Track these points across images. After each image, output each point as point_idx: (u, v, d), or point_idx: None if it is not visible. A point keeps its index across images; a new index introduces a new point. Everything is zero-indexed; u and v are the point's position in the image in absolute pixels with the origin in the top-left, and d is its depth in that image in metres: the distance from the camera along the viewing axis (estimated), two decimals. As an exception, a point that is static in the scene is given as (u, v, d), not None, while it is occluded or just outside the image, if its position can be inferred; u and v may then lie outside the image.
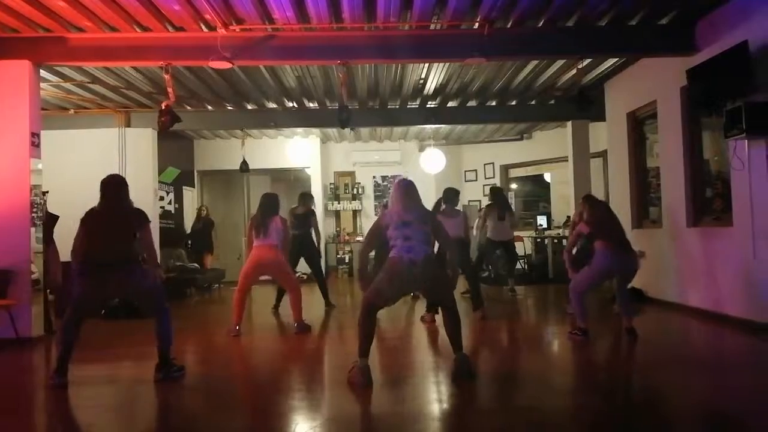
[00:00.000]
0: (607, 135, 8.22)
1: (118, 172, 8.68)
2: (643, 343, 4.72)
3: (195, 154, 12.08)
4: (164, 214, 10.13)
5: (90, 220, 3.86)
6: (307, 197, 7.74)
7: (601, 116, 8.51)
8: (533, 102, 9.04)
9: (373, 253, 7.46)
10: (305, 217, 7.36)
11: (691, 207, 6.12)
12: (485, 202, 11.88)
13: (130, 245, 3.86)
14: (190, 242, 10.87)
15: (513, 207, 12.38)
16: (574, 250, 5.30)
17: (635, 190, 7.45)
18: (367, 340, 3.60)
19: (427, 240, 3.70)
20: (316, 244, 7.56)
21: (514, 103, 9.06)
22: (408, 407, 3.26)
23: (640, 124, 7.42)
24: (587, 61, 6.51)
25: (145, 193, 8.90)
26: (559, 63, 7.12)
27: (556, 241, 9.96)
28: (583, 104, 6.05)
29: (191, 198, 11.80)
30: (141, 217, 3.90)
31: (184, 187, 11.28)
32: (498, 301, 7.51)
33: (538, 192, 12.54)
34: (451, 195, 6.41)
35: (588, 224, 5.01)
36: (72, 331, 3.82)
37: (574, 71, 7.35)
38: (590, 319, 5.03)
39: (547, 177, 12.26)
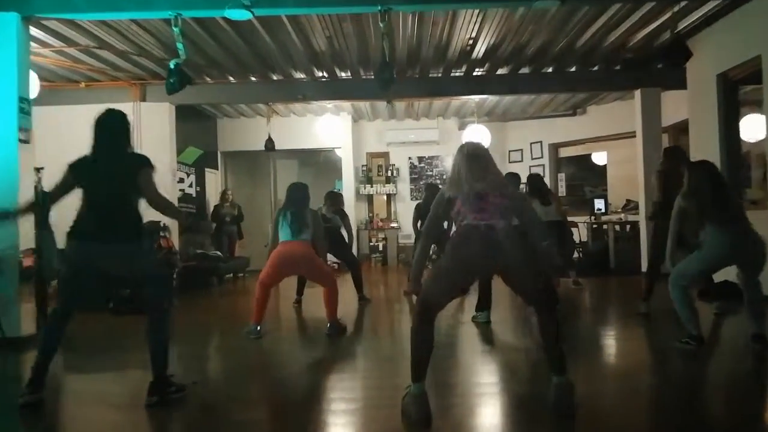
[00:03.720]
0: (689, 104, 7.03)
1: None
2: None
3: (219, 133, 11.27)
4: (184, 198, 9.35)
5: (79, 172, 3.00)
6: (335, 197, 6.86)
7: (676, 84, 7.37)
8: (596, 68, 7.90)
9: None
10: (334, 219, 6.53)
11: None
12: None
13: (131, 207, 3.02)
14: (214, 227, 10.08)
15: (563, 191, 11.30)
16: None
17: (727, 169, 6.27)
18: (421, 358, 2.64)
19: (506, 215, 2.72)
20: (348, 239, 6.78)
21: (573, 69, 7.93)
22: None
23: (733, 87, 6.24)
24: (683, 3, 5.33)
25: (163, 174, 8.09)
26: (635, 18, 5.98)
27: (618, 227, 8.83)
28: (678, 55, 4.91)
29: (214, 181, 11.01)
30: (143, 163, 3.04)
31: (206, 169, 10.48)
32: (561, 296, 6.47)
33: (591, 173, 11.35)
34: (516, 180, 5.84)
35: (687, 197, 3.91)
36: (55, 332, 3.00)
37: (649, 28, 6.26)
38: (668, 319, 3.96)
39: (602, 157, 11.07)
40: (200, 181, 10.16)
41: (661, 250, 5.11)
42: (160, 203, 3.06)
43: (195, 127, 10.10)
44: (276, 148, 9.81)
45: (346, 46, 6.72)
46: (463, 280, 2.74)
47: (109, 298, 6.12)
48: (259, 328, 4.50)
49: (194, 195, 9.87)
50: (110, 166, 2.98)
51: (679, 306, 3.82)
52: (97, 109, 3.23)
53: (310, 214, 4.83)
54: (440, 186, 6.54)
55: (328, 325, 4.60)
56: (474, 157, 2.82)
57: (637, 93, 8.04)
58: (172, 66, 4.94)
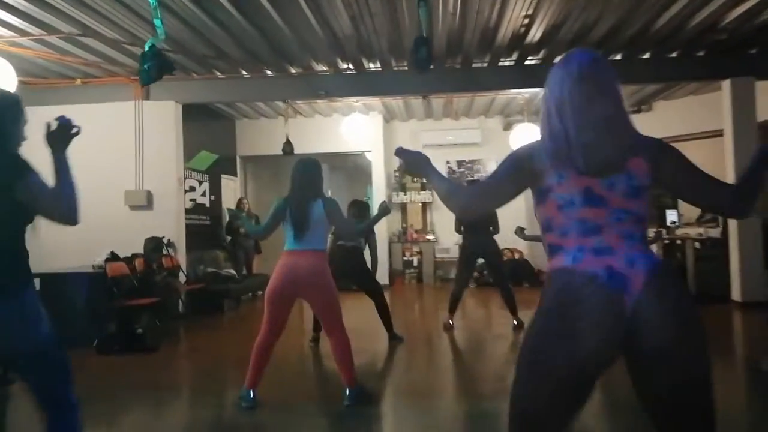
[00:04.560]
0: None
1: (133, 154, 7.12)
2: None
3: (238, 136, 10.30)
4: (196, 209, 8.36)
5: None
6: (360, 208, 5.52)
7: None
8: (675, 54, 6.58)
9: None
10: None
11: None
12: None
13: (12, 241, 1.82)
14: (229, 239, 9.10)
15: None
16: None
17: None
18: None
19: (643, 234, 1.49)
20: (371, 266, 5.61)
21: (647, 56, 6.63)
22: None
23: None
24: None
25: (167, 182, 7.16)
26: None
27: (698, 244, 7.43)
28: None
29: (233, 189, 10.03)
30: (24, 166, 1.81)
31: (222, 175, 9.50)
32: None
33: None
34: None
35: None
36: None
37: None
38: None
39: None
40: (215, 190, 9.17)
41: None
42: (54, 191, 1.80)
43: (210, 129, 9.15)
44: (299, 151, 8.72)
45: (374, 28, 5.58)
46: (572, 382, 1.44)
47: (93, 334, 5.16)
48: (253, 394, 3.36)
49: (208, 205, 8.89)
50: None
51: None
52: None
53: (322, 204, 3.40)
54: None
55: (347, 392, 3.39)
56: (590, 84, 1.49)
57: (726, 84, 6.67)
58: (147, 48, 3.87)
